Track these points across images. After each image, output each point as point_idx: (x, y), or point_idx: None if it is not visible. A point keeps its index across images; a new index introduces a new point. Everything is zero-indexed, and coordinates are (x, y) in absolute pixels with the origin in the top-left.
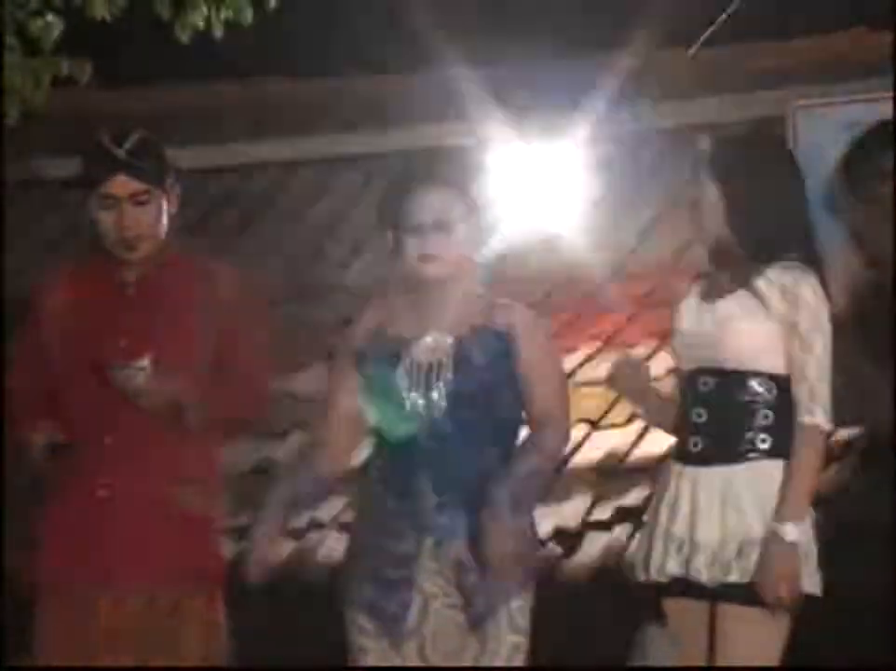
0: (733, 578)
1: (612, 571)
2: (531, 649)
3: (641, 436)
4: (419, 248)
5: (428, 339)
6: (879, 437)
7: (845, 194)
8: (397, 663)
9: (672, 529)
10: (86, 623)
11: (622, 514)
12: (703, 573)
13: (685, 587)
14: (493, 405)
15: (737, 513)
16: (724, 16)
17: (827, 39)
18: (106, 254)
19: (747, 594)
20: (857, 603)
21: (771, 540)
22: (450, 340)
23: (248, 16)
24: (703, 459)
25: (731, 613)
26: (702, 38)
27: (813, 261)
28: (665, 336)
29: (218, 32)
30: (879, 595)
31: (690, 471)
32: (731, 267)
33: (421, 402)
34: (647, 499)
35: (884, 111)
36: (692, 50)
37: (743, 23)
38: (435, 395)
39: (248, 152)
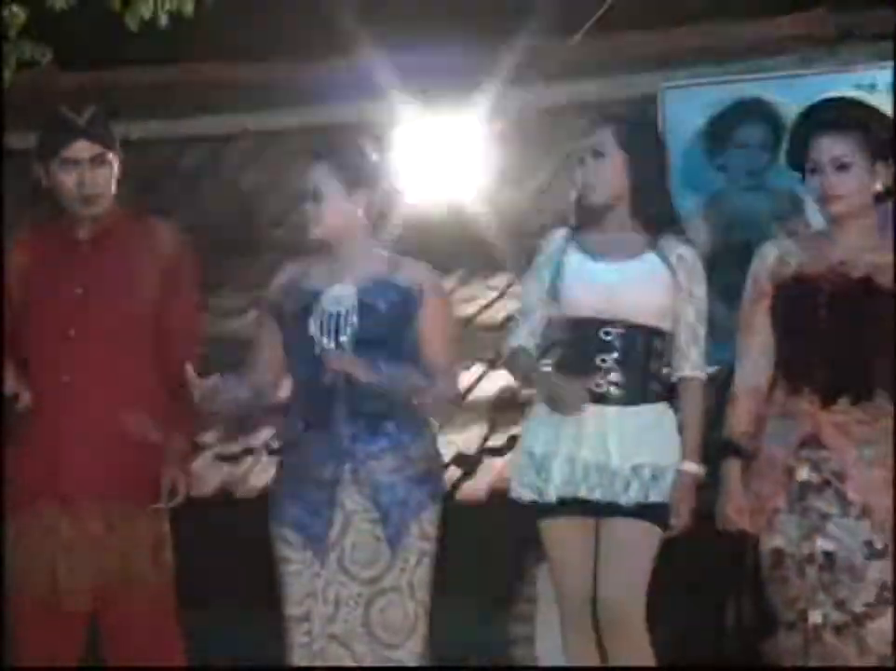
0: (653, 498)
1: (504, 491)
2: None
3: None
4: (307, 214)
5: (335, 291)
6: (731, 373)
7: (705, 162)
8: (317, 571)
9: (578, 456)
10: (47, 537)
11: (514, 442)
12: (609, 494)
13: (580, 503)
14: (395, 347)
15: (647, 445)
16: (601, 11)
17: (691, 29)
18: (63, 216)
19: (645, 510)
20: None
21: (679, 475)
22: (353, 291)
23: (189, 7)
24: (608, 400)
25: (622, 526)
26: (583, 30)
27: (682, 230)
28: None
29: (163, 20)
30: None
31: (595, 408)
32: (625, 232)
33: (332, 346)
34: None
35: (739, 91)
36: (575, 39)
37: (619, 16)
38: (343, 339)
39: (189, 126)
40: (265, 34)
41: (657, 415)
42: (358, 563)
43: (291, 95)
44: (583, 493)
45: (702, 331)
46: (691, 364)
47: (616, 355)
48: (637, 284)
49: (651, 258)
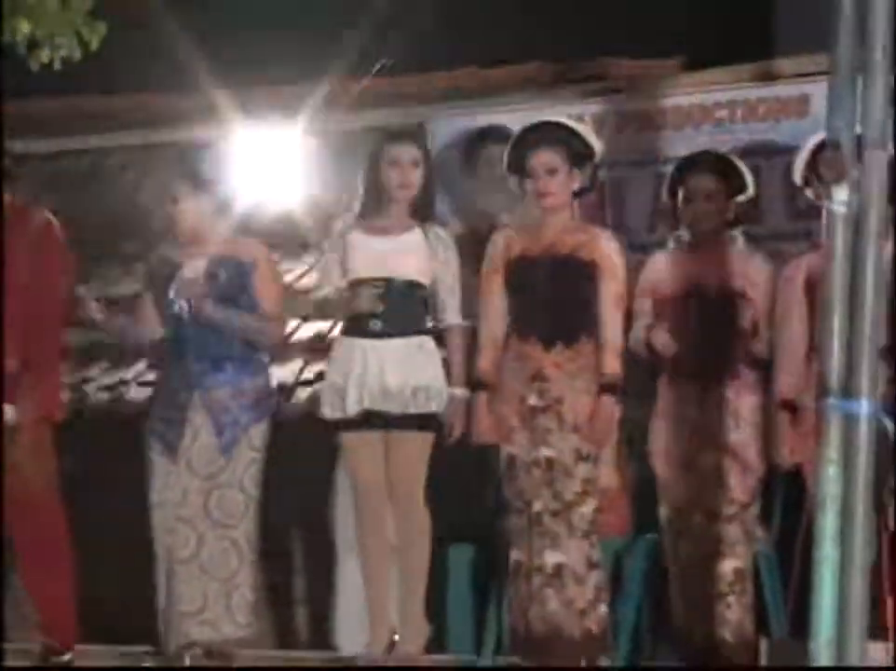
0: (411, 410)
1: (313, 413)
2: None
3: (334, 325)
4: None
5: (191, 264)
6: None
7: (460, 173)
8: (171, 469)
9: (365, 380)
10: None
11: (321, 376)
12: (390, 408)
13: (370, 419)
14: (233, 307)
15: (410, 368)
16: (387, 59)
17: (451, 74)
18: None
19: (418, 421)
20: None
21: (450, 398)
22: (203, 265)
23: (77, 54)
24: (381, 335)
25: (405, 436)
26: (373, 72)
27: (439, 220)
28: None
29: (57, 64)
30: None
31: (374, 343)
32: (400, 217)
33: (185, 305)
34: None
35: (484, 120)
36: (367, 79)
37: (399, 61)
38: (193, 301)
39: (77, 142)
40: (136, 72)
41: (419, 343)
42: (201, 463)
43: (151, 119)
44: (372, 407)
45: (457, 288)
46: (451, 315)
47: (384, 302)
48: (401, 250)
49: (416, 232)
